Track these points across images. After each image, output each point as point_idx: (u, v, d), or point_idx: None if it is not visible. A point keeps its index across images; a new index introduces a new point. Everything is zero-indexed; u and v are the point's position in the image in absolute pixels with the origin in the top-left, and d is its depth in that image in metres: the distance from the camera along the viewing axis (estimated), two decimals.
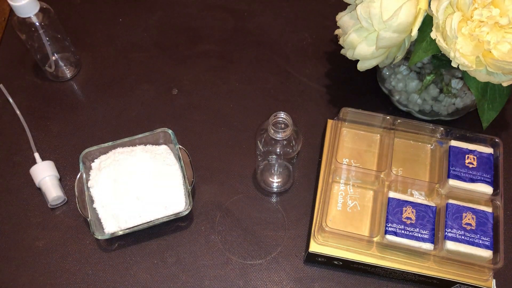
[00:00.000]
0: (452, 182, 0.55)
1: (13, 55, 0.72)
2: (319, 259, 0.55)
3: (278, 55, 0.72)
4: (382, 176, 0.56)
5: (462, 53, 0.50)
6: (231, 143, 0.65)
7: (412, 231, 0.52)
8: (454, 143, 0.57)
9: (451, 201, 0.54)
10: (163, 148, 0.61)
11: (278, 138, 0.51)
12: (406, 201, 0.54)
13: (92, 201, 0.56)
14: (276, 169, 0.61)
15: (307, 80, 0.70)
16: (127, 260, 0.57)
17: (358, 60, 0.59)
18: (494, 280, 0.53)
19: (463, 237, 0.52)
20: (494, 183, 0.55)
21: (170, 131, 0.60)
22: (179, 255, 0.57)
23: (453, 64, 0.51)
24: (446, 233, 0.52)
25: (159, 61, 0.72)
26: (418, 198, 0.55)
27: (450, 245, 0.52)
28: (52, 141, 0.65)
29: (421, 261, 0.53)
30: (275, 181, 0.62)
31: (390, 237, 0.52)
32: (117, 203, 0.56)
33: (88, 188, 0.57)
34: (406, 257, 0.53)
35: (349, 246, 0.53)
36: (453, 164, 0.56)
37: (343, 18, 0.58)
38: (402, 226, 0.53)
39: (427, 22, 0.53)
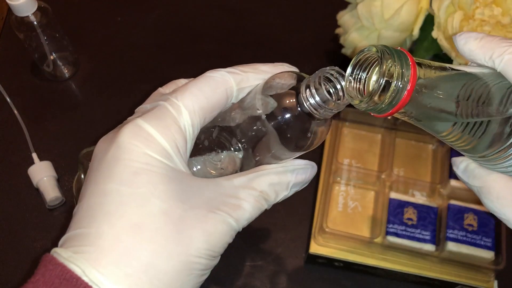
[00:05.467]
0: (454, 182, 0.54)
1: (11, 54, 0.72)
2: (320, 261, 0.55)
3: (278, 55, 0.72)
4: (383, 176, 0.55)
5: None
6: None
7: (413, 232, 0.52)
8: None
9: (452, 201, 0.54)
10: None
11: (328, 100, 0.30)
12: (407, 202, 0.54)
13: None
14: None
15: None
16: None
17: None
18: (496, 281, 0.52)
19: (464, 238, 0.52)
20: None
21: None
22: None
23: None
24: (448, 234, 0.52)
25: (158, 61, 0.71)
26: (420, 198, 0.55)
27: (452, 246, 0.51)
28: (50, 141, 0.64)
29: (423, 263, 0.52)
30: None
31: (391, 238, 0.52)
32: None
33: None
34: (408, 258, 0.52)
35: (350, 247, 0.53)
36: None
37: (343, 17, 0.57)
38: (403, 227, 0.52)
39: (429, 21, 0.53)
